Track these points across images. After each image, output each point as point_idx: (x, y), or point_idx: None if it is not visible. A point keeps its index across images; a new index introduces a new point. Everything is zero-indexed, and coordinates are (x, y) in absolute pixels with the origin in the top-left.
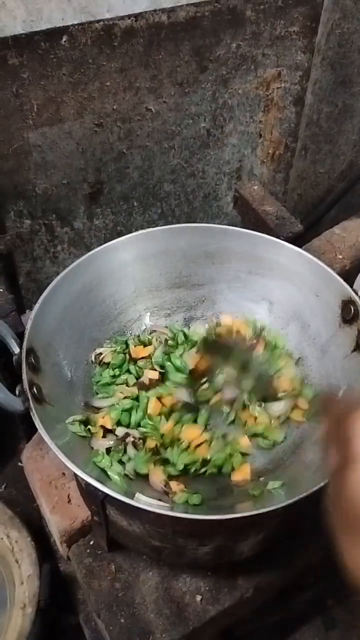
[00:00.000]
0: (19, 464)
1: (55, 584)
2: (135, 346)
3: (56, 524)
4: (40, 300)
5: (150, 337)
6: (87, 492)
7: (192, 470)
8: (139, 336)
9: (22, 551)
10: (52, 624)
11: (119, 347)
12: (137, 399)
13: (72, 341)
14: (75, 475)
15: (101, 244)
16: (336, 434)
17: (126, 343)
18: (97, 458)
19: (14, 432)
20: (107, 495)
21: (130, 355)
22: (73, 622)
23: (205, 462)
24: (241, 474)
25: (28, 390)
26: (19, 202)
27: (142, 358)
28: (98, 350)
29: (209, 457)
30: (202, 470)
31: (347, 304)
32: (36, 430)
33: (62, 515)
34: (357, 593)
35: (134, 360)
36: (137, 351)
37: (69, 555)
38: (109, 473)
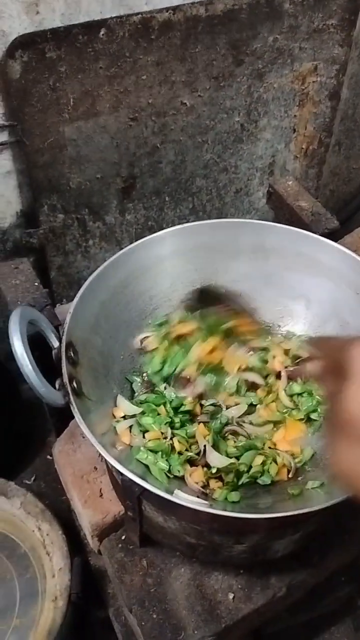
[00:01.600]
0: (48, 457)
1: (86, 578)
2: (179, 322)
3: (88, 518)
4: (79, 295)
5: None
6: (123, 487)
7: (228, 481)
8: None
9: (54, 544)
10: (82, 618)
11: (163, 330)
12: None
13: (108, 336)
14: (109, 469)
15: (132, 239)
16: (332, 368)
17: (166, 322)
18: (141, 455)
19: (43, 425)
20: (143, 490)
21: (172, 338)
22: (102, 615)
23: (239, 473)
24: (279, 474)
25: (68, 384)
26: (53, 196)
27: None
28: (142, 335)
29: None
30: (240, 481)
31: None
32: (66, 424)
33: (94, 510)
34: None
35: (177, 340)
36: (180, 328)
37: (100, 549)
38: (152, 469)
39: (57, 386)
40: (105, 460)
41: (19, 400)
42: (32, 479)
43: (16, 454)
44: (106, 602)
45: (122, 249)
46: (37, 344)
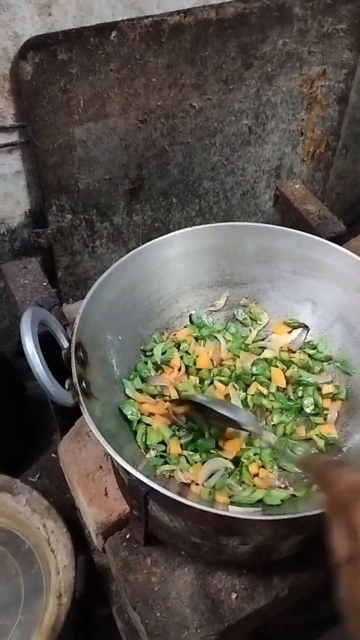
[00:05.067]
0: (53, 455)
1: (90, 575)
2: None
3: (93, 516)
4: (88, 296)
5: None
6: (130, 486)
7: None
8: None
9: (58, 541)
10: (85, 615)
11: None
12: None
13: (117, 337)
14: (115, 468)
15: (139, 240)
16: (341, 517)
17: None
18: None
19: (48, 423)
20: (150, 490)
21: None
22: (105, 613)
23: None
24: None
25: (77, 385)
26: (62, 196)
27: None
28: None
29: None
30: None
31: None
32: (71, 422)
33: (99, 508)
34: None
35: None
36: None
37: (104, 547)
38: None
39: (66, 386)
40: (112, 459)
41: (24, 398)
42: (37, 476)
43: (21, 451)
44: (109, 600)
45: (128, 249)
46: (45, 343)
